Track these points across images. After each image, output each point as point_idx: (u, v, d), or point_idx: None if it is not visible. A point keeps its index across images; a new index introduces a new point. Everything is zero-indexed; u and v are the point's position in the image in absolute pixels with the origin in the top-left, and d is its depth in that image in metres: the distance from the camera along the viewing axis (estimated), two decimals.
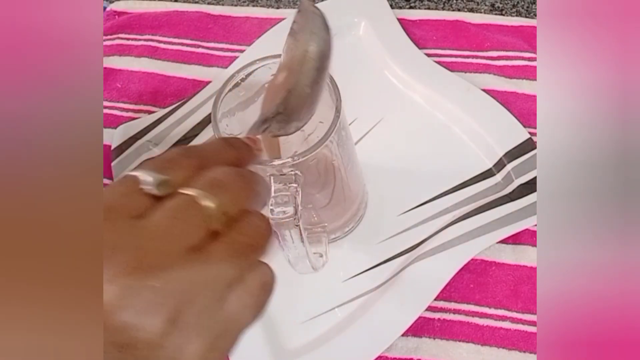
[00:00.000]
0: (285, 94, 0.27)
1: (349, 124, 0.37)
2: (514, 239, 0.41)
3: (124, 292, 0.18)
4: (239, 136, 0.27)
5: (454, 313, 0.39)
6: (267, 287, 0.21)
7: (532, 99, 0.46)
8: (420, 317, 0.38)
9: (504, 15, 0.51)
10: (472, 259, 0.39)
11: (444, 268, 0.39)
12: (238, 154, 0.25)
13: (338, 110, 0.31)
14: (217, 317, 0.20)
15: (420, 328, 0.39)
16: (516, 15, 0.51)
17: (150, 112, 0.49)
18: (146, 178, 0.21)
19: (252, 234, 0.22)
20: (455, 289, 0.40)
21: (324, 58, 0.28)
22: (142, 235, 0.19)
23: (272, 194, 0.29)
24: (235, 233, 0.21)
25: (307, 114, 0.29)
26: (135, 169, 0.21)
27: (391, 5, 0.51)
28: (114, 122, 0.48)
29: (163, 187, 0.21)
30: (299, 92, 0.28)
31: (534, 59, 0.47)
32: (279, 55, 0.29)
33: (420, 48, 0.48)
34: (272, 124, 0.28)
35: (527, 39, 0.49)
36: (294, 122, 0.29)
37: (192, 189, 0.21)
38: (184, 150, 0.23)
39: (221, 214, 0.21)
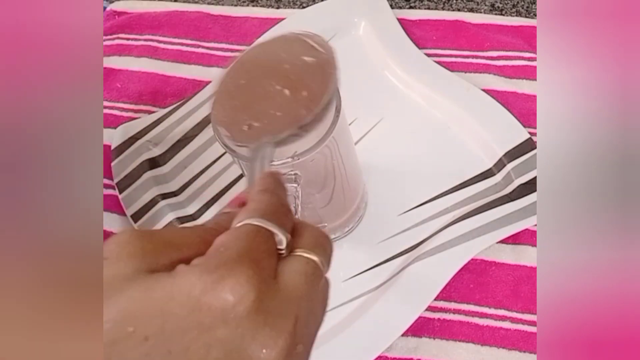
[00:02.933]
0: (297, 129, 0.27)
1: (349, 124, 0.37)
2: (514, 239, 0.41)
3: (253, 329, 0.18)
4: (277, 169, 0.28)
5: (454, 313, 0.39)
6: (325, 299, 0.23)
7: (532, 99, 0.46)
8: (420, 317, 0.38)
9: (504, 15, 0.51)
10: (472, 259, 0.39)
11: (444, 268, 0.39)
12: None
13: (338, 110, 0.31)
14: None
15: (420, 328, 0.39)
16: (516, 15, 0.51)
17: (150, 112, 0.49)
18: (280, 237, 0.21)
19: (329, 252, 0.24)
20: (455, 289, 0.40)
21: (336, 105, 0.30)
22: (287, 299, 0.20)
23: None
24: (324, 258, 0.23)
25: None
26: (260, 218, 0.21)
27: (391, 5, 0.51)
28: (114, 122, 0.48)
29: (288, 248, 0.22)
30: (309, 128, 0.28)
31: (534, 59, 0.47)
32: None
33: (420, 48, 0.48)
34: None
35: (527, 39, 0.49)
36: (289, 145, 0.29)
37: (315, 255, 0.22)
38: (278, 194, 0.23)
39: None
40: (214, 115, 0.28)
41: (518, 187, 0.42)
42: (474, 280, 0.40)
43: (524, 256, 0.40)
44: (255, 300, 0.18)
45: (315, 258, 0.22)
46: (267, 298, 0.19)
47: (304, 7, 0.53)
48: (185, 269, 0.19)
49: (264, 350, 0.18)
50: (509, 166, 0.43)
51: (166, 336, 0.18)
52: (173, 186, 0.46)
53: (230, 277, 0.18)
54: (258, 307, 0.18)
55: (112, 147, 0.47)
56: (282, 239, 0.21)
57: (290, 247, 0.22)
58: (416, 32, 0.50)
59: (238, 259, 0.19)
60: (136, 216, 0.44)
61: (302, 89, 0.28)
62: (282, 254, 0.21)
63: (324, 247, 0.23)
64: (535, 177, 0.42)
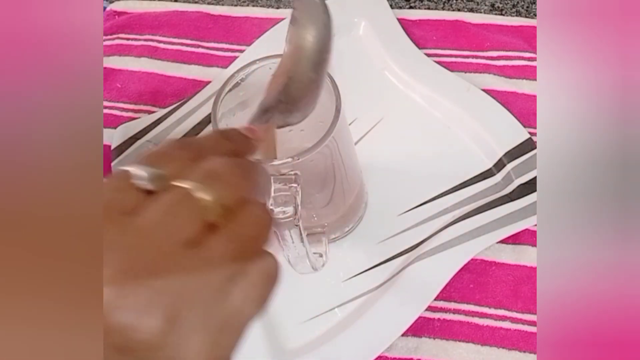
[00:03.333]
0: (286, 80, 0.27)
1: (349, 124, 0.37)
2: (514, 239, 0.41)
3: (119, 293, 0.17)
4: (236, 127, 0.26)
5: (454, 313, 0.39)
6: (271, 277, 0.21)
7: (532, 99, 0.46)
8: (420, 317, 0.38)
9: (504, 15, 0.51)
10: (472, 259, 0.39)
11: (444, 268, 0.39)
12: (236, 145, 0.24)
13: (338, 110, 0.31)
14: (218, 312, 0.19)
15: (420, 328, 0.39)
16: (516, 15, 0.51)
17: (150, 112, 0.49)
18: (140, 172, 0.20)
19: (252, 224, 0.21)
20: (455, 289, 0.40)
21: (324, 43, 0.27)
22: (135, 233, 0.19)
23: (272, 194, 0.29)
24: (234, 224, 0.20)
25: (310, 103, 0.28)
26: (129, 163, 0.21)
27: (391, 5, 0.51)
28: (114, 122, 0.48)
29: (157, 182, 0.20)
30: (300, 78, 0.27)
31: (534, 59, 0.47)
32: (279, 55, 0.29)
33: (420, 48, 0.48)
34: (275, 114, 0.27)
35: (527, 39, 0.49)
36: (297, 112, 0.28)
37: (186, 182, 0.20)
38: (178, 142, 0.22)
39: (218, 206, 0.20)
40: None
41: (518, 187, 0.42)
42: (474, 280, 0.40)
43: (524, 256, 0.40)
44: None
45: (183, 185, 0.20)
46: (110, 234, 0.18)
47: None
48: None
49: (106, 293, 0.17)
50: (509, 166, 0.43)
51: None
52: None
53: None
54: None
55: (112, 147, 0.47)
56: (140, 174, 0.20)
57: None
58: (416, 32, 0.50)
59: None
60: None
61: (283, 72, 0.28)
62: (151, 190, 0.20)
63: (222, 176, 0.21)
64: (535, 177, 0.42)
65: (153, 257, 0.18)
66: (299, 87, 0.27)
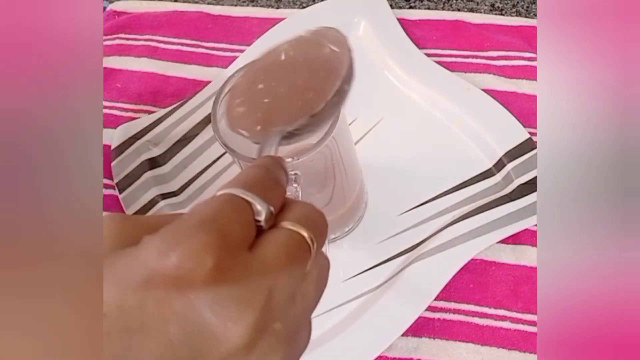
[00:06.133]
0: (309, 118, 0.27)
1: (349, 124, 0.37)
2: (514, 239, 0.41)
3: (253, 335, 0.17)
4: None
5: (454, 313, 0.39)
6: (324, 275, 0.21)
7: (532, 99, 0.46)
8: (420, 317, 0.38)
9: (504, 15, 0.51)
10: (472, 259, 0.40)
11: (444, 268, 0.39)
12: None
13: (338, 110, 0.31)
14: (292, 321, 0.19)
15: (420, 328, 0.39)
16: (516, 15, 0.51)
17: (150, 112, 0.49)
18: (258, 207, 0.19)
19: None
20: (455, 289, 0.40)
21: (348, 92, 0.28)
22: (261, 271, 0.18)
23: None
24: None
25: (333, 122, 0.29)
26: (240, 188, 0.20)
27: (391, 5, 0.51)
28: (114, 122, 0.48)
29: (269, 221, 0.20)
30: (321, 118, 0.27)
31: (534, 59, 0.47)
32: None
33: (420, 48, 0.48)
34: (300, 137, 0.27)
35: (527, 39, 0.49)
36: (319, 132, 0.29)
37: (301, 228, 0.20)
38: (268, 169, 0.22)
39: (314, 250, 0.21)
40: (233, 117, 0.28)
41: (518, 187, 0.42)
42: (474, 280, 0.40)
43: (524, 256, 0.40)
44: (213, 268, 0.17)
45: (301, 231, 0.20)
46: (232, 268, 0.17)
47: (304, 7, 0.53)
48: (147, 238, 0.17)
49: (229, 324, 0.17)
50: (509, 166, 0.43)
51: (124, 312, 0.17)
52: (173, 186, 0.46)
53: (185, 243, 0.17)
54: (218, 276, 0.17)
55: (112, 147, 0.47)
56: (260, 210, 0.19)
57: (275, 221, 0.20)
58: (416, 32, 0.50)
59: (199, 225, 0.17)
60: None
61: (309, 89, 0.28)
62: (262, 226, 0.20)
63: (314, 221, 0.21)
64: (535, 177, 0.42)
65: (281, 298, 0.18)
66: (328, 110, 0.27)
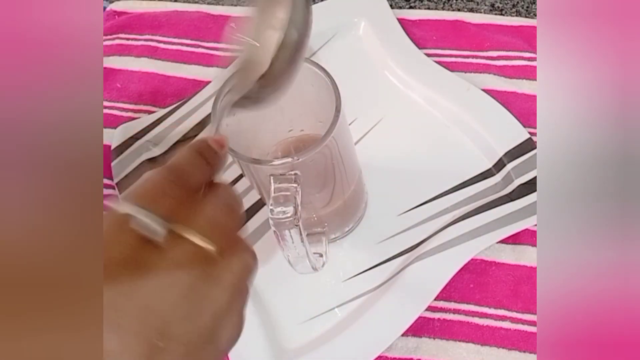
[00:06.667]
0: (260, 79, 0.26)
1: (349, 124, 0.37)
2: (514, 239, 0.41)
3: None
4: (205, 137, 0.26)
5: (454, 313, 0.39)
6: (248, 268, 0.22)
7: (532, 99, 0.46)
8: (420, 317, 0.38)
9: (503, 15, 0.51)
10: (472, 259, 0.39)
11: (444, 268, 0.39)
12: (209, 162, 0.24)
13: (338, 110, 0.31)
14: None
15: (420, 328, 0.39)
16: (516, 15, 0.51)
17: (150, 112, 0.49)
18: (142, 220, 0.20)
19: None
20: (455, 289, 0.40)
21: (302, 42, 0.27)
22: (152, 296, 0.19)
23: (272, 194, 0.29)
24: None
25: (287, 87, 0.28)
26: (123, 202, 0.20)
27: (391, 5, 0.51)
28: (114, 122, 0.48)
29: (161, 233, 0.20)
30: (274, 77, 0.26)
31: (534, 59, 0.47)
32: None
33: (420, 48, 0.48)
34: (248, 103, 0.27)
35: (527, 39, 0.49)
36: (273, 98, 0.28)
37: (195, 236, 0.20)
38: (164, 174, 0.22)
39: (219, 254, 0.21)
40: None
41: (518, 187, 0.42)
42: (474, 280, 0.40)
43: (524, 256, 0.40)
44: None
45: (193, 239, 0.20)
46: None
47: None
48: None
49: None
50: (509, 166, 0.43)
51: None
52: None
53: None
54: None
55: (112, 147, 0.47)
56: (143, 221, 0.20)
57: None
58: (416, 32, 0.50)
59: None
60: None
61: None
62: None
63: (221, 224, 0.21)
64: (535, 177, 0.42)
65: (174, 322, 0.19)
66: (272, 86, 0.27)
